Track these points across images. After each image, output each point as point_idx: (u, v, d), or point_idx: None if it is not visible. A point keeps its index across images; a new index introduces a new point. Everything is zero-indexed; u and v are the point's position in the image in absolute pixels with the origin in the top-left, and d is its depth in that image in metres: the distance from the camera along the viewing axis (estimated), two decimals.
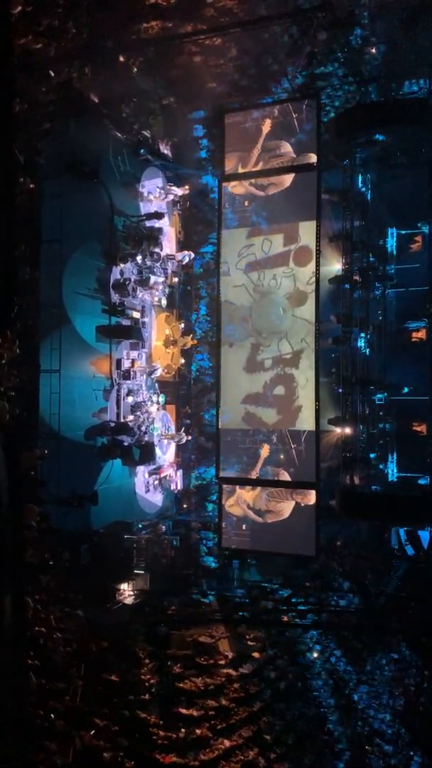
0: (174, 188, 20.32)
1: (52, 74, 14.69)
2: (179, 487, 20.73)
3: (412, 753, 14.31)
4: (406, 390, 19.33)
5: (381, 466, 19.34)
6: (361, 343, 18.31)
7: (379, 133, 17.75)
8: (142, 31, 16.56)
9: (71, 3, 13.86)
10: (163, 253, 19.22)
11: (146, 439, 18.36)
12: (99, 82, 16.19)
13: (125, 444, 17.35)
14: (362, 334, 18.36)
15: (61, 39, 14.38)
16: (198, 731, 13.50)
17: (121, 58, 16.87)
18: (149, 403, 18.70)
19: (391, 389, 19.48)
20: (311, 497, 18.77)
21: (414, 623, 15.64)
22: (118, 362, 17.75)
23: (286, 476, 19.09)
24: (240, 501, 19.66)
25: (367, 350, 18.62)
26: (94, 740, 11.74)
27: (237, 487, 19.85)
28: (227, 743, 13.47)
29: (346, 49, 17.29)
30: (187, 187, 20.66)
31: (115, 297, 17.60)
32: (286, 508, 19.13)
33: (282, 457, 19.43)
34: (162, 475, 19.61)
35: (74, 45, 14.76)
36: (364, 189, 18.76)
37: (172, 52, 17.79)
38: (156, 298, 19.32)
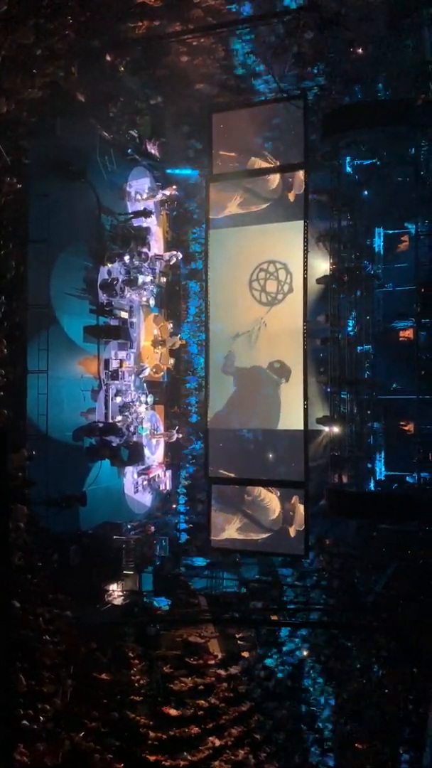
0: (161, 188, 20.31)
1: (39, 73, 14.61)
2: (168, 488, 20.71)
3: (401, 751, 14.38)
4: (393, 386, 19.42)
5: (369, 465, 19.41)
6: (348, 342, 18.37)
7: (366, 133, 17.80)
8: (129, 31, 16.54)
9: (58, 2, 13.79)
10: (150, 253, 19.18)
11: (135, 439, 18.32)
12: (86, 81, 16.13)
13: (114, 444, 17.31)
14: (350, 334, 18.44)
15: (48, 38, 14.32)
16: (188, 731, 13.50)
17: (108, 58, 16.82)
18: (138, 403, 18.66)
19: (378, 388, 19.56)
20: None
21: (403, 621, 15.71)
22: (106, 362, 17.70)
23: None
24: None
25: (355, 350, 18.68)
26: (84, 741, 11.70)
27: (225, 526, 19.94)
28: (217, 742, 13.48)
29: (332, 49, 17.31)
30: (174, 186, 20.64)
31: (102, 297, 17.55)
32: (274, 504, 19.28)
33: (271, 456, 19.50)
34: (151, 476, 19.58)
35: (61, 44, 14.70)
36: (350, 189, 18.81)
37: (160, 52, 17.77)
38: (144, 298, 19.28)
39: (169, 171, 20.97)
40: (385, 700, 15.20)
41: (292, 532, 18.93)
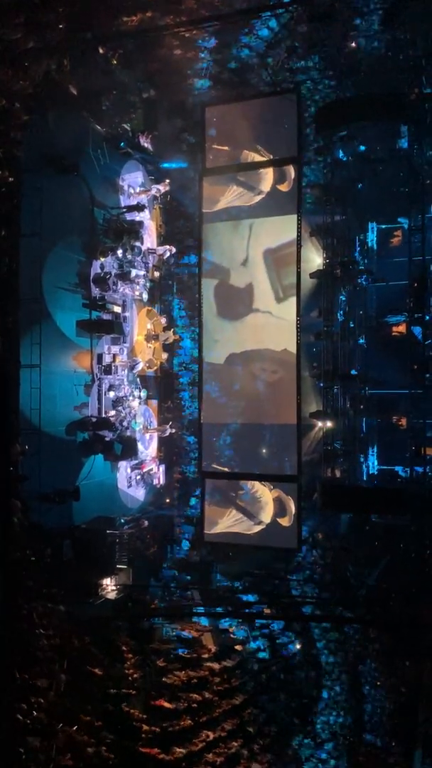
0: (155, 182, 20.24)
1: (31, 66, 14.52)
2: (162, 482, 20.72)
3: (393, 743, 14.50)
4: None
5: (362, 459, 19.48)
6: (341, 338, 18.40)
7: (359, 128, 17.78)
8: (121, 24, 16.45)
9: None
10: (144, 247, 19.14)
11: (128, 434, 18.30)
12: (78, 74, 16.05)
13: (107, 439, 17.30)
14: (343, 328, 18.46)
15: (40, 31, 14.23)
16: (182, 724, 13.56)
17: (101, 51, 16.73)
18: (131, 397, 18.64)
19: (371, 383, 19.61)
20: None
21: (395, 615, 15.80)
22: (99, 357, 17.65)
23: None
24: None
25: (348, 344, 18.72)
26: (78, 735, 11.73)
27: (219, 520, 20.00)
28: (211, 735, 13.54)
29: (326, 42, 17.28)
30: (167, 180, 20.58)
31: (95, 291, 17.49)
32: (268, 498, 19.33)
33: (264, 450, 19.53)
34: (144, 470, 19.58)
35: (53, 37, 14.61)
36: (344, 183, 18.80)
37: (152, 45, 17.68)
38: (137, 293, 19.23)
39: (162, 164, 20.90)
40: (377, 693, 15.32)
41: (284, 525, 18.98)
